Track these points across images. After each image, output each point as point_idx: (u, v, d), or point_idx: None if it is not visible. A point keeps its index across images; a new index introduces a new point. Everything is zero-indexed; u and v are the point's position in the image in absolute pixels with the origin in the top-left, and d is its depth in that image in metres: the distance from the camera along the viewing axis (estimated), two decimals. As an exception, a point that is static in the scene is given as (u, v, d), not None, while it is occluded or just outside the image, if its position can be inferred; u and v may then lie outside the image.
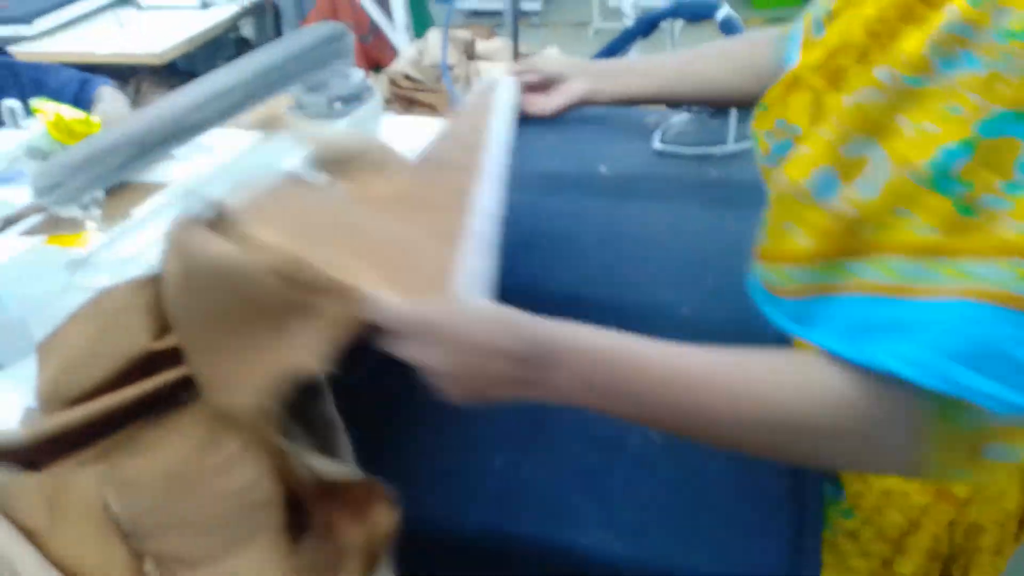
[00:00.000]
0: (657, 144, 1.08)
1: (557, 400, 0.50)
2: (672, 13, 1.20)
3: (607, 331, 0.50)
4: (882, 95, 0.42)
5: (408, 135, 1.30)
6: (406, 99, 1.65)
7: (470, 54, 1.72)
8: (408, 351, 0.49)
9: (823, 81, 0.46)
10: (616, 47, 1.24)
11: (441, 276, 0.53)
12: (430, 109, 1.61)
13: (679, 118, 1.10)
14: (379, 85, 1.70)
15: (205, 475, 0.57)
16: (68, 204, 0.90)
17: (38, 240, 1.08)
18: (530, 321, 0.49)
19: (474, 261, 0.56)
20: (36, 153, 1.13)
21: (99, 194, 1.04)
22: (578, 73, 0.85)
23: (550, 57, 1.62)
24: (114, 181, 0.83)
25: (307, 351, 0.51)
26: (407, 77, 1.68)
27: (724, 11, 1.11)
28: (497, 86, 0.89)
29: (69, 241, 1.09)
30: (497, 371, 0.48)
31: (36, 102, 1.17)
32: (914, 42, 0.40)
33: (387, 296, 0.49)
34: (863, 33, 0.43)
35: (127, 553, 0.51)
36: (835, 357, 0.45)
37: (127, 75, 2.36)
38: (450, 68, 1.67)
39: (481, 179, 0.66)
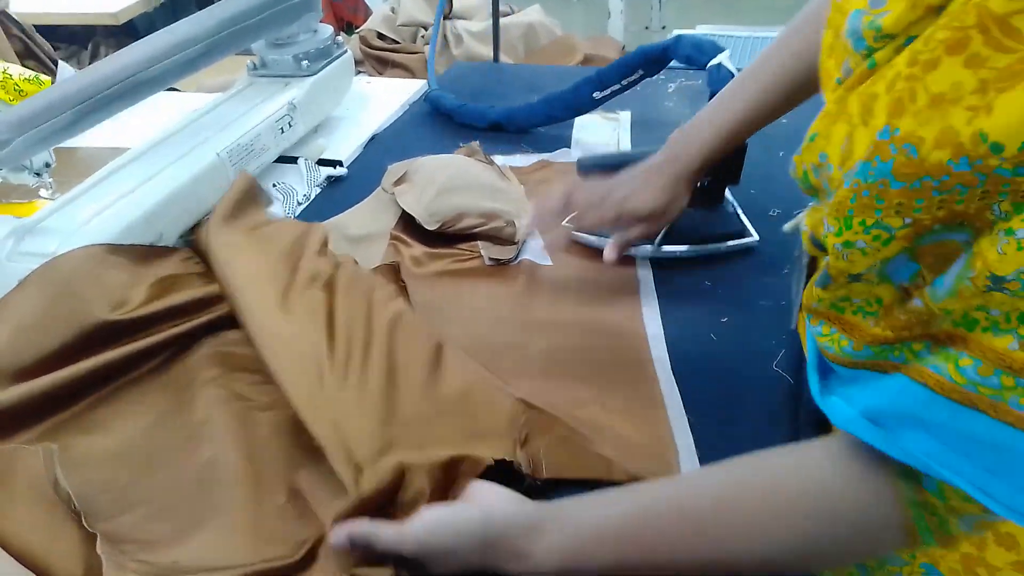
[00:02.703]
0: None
1: None
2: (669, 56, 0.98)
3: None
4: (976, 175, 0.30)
5: (380, 97, 1.24)
6: (379, 59, 1.58)
7: (447, 12, 1.65)
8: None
9: (860, 112, 0.35)
10: (609, 76, 1.01)
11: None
12: (405, 70, 1.55)
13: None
14: (350, 45, 1.63)
15: (164, 452, 0.53)
16: (15, 165, 0.83)
17: (-13, 208, 1.02)
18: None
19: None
20: (-17, 114, 1.06)
21: (51, 159, 0.98)
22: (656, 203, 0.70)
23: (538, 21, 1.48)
24: (65, 140, 0.77)
25: None
26: (380, 36, 1.62)
27: (721, 58, 0.93)
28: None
29: (20, 210, 1.03)
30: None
31: (-17, 60, 1.10)
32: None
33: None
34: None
35: (78, 535, 0.47)
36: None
37: (84, 38, 2.26)
38: (424, 27, 1.61)
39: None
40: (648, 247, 0.78)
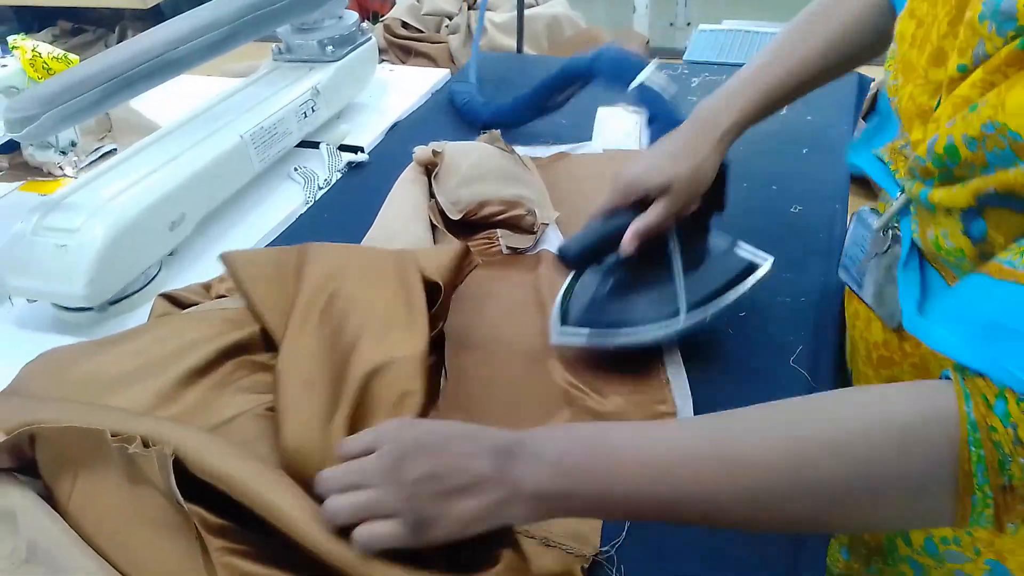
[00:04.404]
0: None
1: (527, 510, 0.41)
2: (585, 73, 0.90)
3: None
4: None
5: (403, 85, 1.25)
6: (403, 48, 1.58)
7: (471, 3, 1.65)
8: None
9: None
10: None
11: None
12: (428, 59, 1.55)
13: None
14: (374, 34, 1.63)
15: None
16: (42, 141, 0.85)
17: (13, 187, 1.04)
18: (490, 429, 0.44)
19: None
20: (11, 92, 1.07)
21: (76, 137, 0.99)
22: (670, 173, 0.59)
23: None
24: (90, 118, 0.77)
25: None
26: (404, 25, 1.62)
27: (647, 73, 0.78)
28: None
29: (46, 188, 1.04)
30: (460, 466, 0.41)
31: (14, 39, 1.11)
32: None
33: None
34: None
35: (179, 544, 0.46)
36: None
37: (112, 21, 2.28)
38: (449, 17, 1.60)
39: None
40: (670, 329, 0.63)
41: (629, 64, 0.81)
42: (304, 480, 0.47)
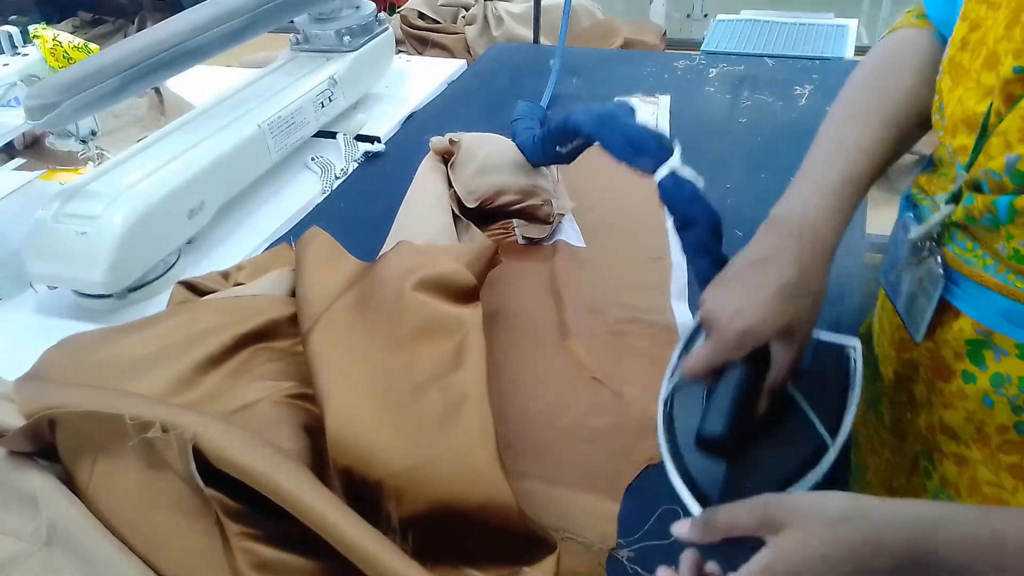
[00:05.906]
0: None
1: None
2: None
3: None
4: None
5: (420, 76, 1.25)
6: (419, 39, 1.58)
7: (489, -7, 1.65)
8: None
9: None
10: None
11: None
12: (444, 50, 1.54)
13: None
14: (391, 24, 1.63)
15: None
16: (62, 129, 0.85)
17: (34, 175, 1.05)
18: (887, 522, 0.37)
19: None
20: (32, 81, 1.08)
21: (97, 126, 1.00)
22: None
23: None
24: (111, 106, 0.78)
25: None
26: (421, 15, 1.62)
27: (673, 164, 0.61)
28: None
29: (67, 177, 1.05)
30: None
31: (35, 28, 1.12)
32: None
33: None
34: None
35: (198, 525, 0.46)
36: None
37: (131, 11, 2.29)
38: (465, 8, 1.60)
39: None
40: (823, 468, 0.50)
41: (646, 142, 0.64)
42: (345, 465, 0.48)
